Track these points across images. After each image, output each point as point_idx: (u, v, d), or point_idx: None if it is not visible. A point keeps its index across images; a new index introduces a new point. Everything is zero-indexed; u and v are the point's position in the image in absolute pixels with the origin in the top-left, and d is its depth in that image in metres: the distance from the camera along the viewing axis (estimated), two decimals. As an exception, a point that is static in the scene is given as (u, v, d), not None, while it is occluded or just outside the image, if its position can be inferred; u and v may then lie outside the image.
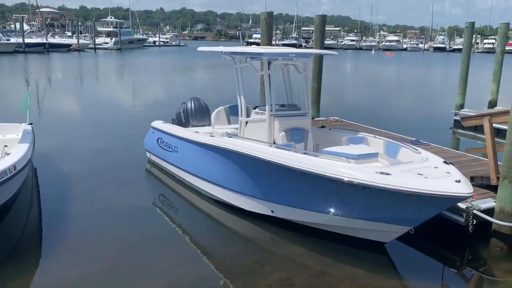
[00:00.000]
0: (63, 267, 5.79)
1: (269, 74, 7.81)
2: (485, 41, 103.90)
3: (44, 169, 9.58)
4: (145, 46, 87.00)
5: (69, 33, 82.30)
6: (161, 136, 9.57)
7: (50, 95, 23.12)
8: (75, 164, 10.17)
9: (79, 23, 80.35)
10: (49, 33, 70.50)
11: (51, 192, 8.45)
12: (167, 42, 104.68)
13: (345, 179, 5.67)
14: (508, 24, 17.96)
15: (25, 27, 65.49)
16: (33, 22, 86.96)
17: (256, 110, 7.99)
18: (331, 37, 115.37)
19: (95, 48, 69.66)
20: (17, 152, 6.91)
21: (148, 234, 6.83)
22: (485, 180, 7.31)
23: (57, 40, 66.76)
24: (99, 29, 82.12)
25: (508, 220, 6.31)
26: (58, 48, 61.65)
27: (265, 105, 7.70)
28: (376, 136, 8.12)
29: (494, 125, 7.57)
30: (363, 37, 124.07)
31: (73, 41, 67.21)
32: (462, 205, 6.37)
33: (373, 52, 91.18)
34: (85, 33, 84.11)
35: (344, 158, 6.18)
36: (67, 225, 7.00)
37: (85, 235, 6.69)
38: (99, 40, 74.77)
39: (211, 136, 8.06)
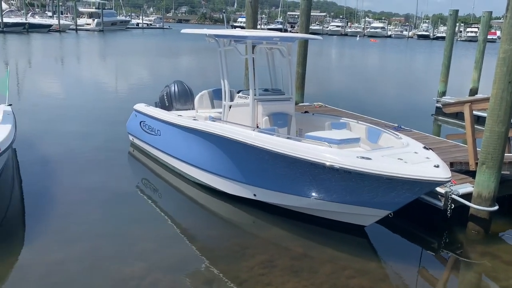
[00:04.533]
0: (46, 249, 5.75)
1: (253, 58, 7.78)
2: (468, 29, 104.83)
3: (24, 151, 9.42)
4: (128, 28, 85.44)
5: (50, 13, 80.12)
6: (144, 119, 9.48)
7: (29, 76, 22.60)
8: (56, 146, 10.03)
9: (60, 3, 78.23)
10: (29, 13, 68.53)
11: (32, 174, 8.33)
12: (151, 24, 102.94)
13: (327, 163, 5.72)
14: (491, 13, 18.17)
15: (4, 6, 63.43)
16: (12, 1, 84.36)
17: (240, 94, 7.97)
18: (317, 22, 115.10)
19: (76, 29, 68.09)
20: (0, 133, 6.80)
21: (130, 217, 6.81)
22: (464, 166, 7.46)
23: (37, 20, 64.86)
24: (81, 9, 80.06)
25: (485, 205, 6.47)
26: (38, 29, 60.01)
27: (249, 89, 7.67)
28: (359, 122, 8.19)
29: (474, 112, 7.70)
30: (349, 23, 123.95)
31: (54, 21, 65.49)
32: (441, 189, 6.50)
33: (358, 39, 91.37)
34: (66, 14, 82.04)
35: (326, 143, 6.23)
36: (49, 208, 6.93)
37: (67, 217, 6.64)
38: (80, 21, 73.05)
39: (194, 119, 8.02)
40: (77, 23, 70.00)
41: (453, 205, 6.45)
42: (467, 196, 6.61)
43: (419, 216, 6.92)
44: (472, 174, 6.99)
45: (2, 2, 61.86)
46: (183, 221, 6.87)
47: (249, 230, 6.74)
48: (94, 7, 79.18)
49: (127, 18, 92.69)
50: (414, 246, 6.57)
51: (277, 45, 8.18)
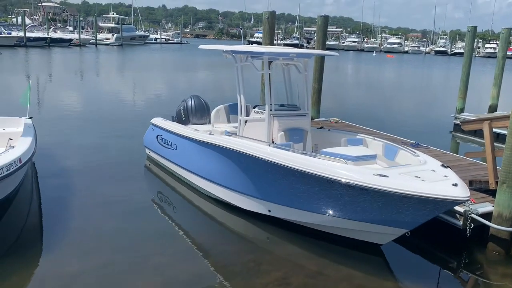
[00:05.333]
0: (62, 262, 5.79)
1: (269, 73, 7.81)
2: (487, 45, 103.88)
3: (43, 163, 9.56)
4: (147, 43, 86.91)
5: (71, 28, 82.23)
6: (160, 133, 9.56)
7: (50, 89, 23.09)
8: (74, 159, 10.16)
9: (81, 18, 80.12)
10: (50, 28, 70.41)
11: (51, 186, 8.44)
12: (169, 39, 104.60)
13: (343, 180, 5.66)
14: (510, 29, 17.95)
15: (27, 21, 65.44)
16: (35, 16, 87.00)
17: (256, 109, 7.99)
18: (333, 38, 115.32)
19: (96, 44, 69.56)
20: (22, 145, 6.93)
21: (145, 231, 6.82)
22: (484, 185, 7.31)
23: (58, 34, 66.53)
24: (101, 24, 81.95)
25: (506, 225, 6.31)
26: (59, 43, 61.56)
27: (265, 105, 7.69)
28: (375, 138, 8.12)
29: (494, 129, 7.57)
30: (365, 39, 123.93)
31: (75, 36, 67.12)
32: (460, 208, 6.37)
33: (374, 54, 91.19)
34: (87, 29, 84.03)
35: (342, 159, 6.18)
36: (66, 220, 7.00)
37: (84, 230, 6.69)
38: (100, 35, 74.73)
39: (210, 134, 8.06)
40: (97, 38, 71.49)
41: (472, 224, 6.31)
42: (487, 215, 6.46)
43: (437, 235, 6.78)
44: (492, 193, 6.84)
45: (26, 17, 63.72)
46: (198, 236, 6.85)
47: (264, 246, 6.68)
48: (114, 22, 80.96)
49: (146, 33, 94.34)
50: (432, 266, 6.42)
51: (294, 61, 8.20)
